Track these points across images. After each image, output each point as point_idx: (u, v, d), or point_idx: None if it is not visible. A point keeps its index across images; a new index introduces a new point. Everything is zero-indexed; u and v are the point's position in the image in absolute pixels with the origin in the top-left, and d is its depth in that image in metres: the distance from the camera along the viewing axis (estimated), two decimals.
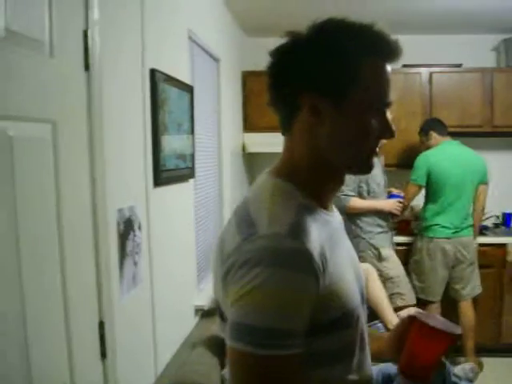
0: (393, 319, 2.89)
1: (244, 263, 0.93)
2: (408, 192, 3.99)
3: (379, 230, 3.69)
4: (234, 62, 4.36)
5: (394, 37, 1.04)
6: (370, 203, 3.63)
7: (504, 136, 4.74)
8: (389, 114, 1.10)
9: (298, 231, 0.96)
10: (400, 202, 3.74)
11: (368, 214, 3.64)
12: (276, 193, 1.05)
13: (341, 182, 1.14)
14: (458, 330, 1.15)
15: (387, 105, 1.07)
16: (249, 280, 0.91)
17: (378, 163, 3.58)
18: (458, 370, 3.69)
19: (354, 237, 3.55)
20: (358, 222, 3.65)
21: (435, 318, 1.22)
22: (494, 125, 4.61)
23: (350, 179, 3.52)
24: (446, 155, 3.99)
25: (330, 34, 1.03)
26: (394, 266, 3.68)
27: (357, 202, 3.57)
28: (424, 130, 4.18)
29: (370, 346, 1.18)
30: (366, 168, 1.10)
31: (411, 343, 1.18)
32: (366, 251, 3.62)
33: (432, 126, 4.16)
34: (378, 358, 1.31)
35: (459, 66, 4.74)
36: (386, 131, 1.07)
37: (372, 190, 3.65)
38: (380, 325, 2.91)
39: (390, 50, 1.05)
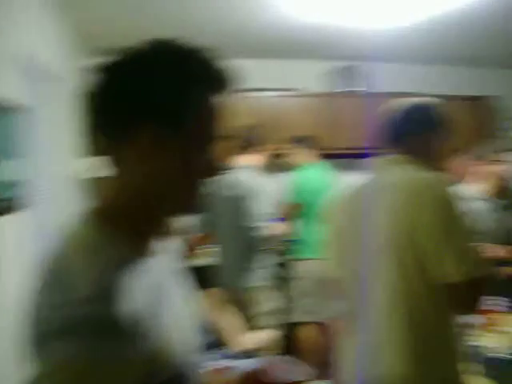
0: (241, 343, 2.85)
1: (52, 333, 0.79)
2: None
3: None
4: (74, 82, 4.16)
5: (226, 63, 0.96)
6: None
7: (343, 158, 4.99)
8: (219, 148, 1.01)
9: (105, 293, 0.83)
10: None
11: None
12: (85, 245, 0.89)
13: (167, 223, 1.03)
14: (299, 376, 1.07)
15: (218, 138, 0.98)
16: (57, 354, 0.78)
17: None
18: None
19: None
20: None
21: (278, 366, 1.13)
22: (333, 147, 4.91)
23: None
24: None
25: (158, 58, 0.92)
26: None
27: None
28: None
29: None
30: (192, 209, 1.01)
31: None
32: None
33: None
34: None
35: (300, 90, 5.06)
36: (213, 168, 0.98)
37: None
38: (228, 350, 2.87)
39: (223, 78, 0.96)
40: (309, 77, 5.15)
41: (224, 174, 3.54)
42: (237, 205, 3.57)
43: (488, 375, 2.05)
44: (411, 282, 1.61)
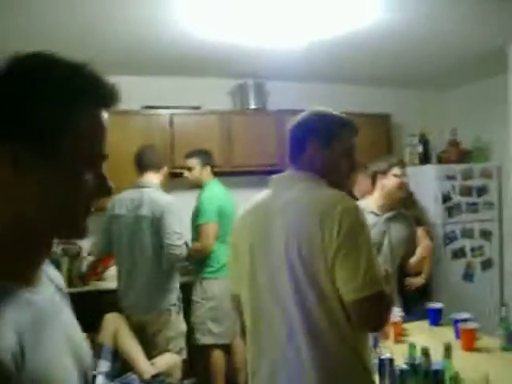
0: (146, 368, 2.83)
1: None
2: None
3: None
4: None
5: (110, 79, 0.91)
6: None
7: (243, 175, 5.00)
8: (104, 168, 0.94)
9: None
10: None
11: None
12: None
13: (49, 250, 0.95)
14: None
15: (103, 157, 0.93)
16: None
17: None
18: None
19: None
20: None
21: None
22: (233, 165, 4.92)
23: None
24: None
25: (33, 73, 0.85)
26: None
27: None
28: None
29: None
30: (81, 232, 0.93)
31: None
32: None
33: None
34: None
35: (198, 108, 5.02)
36: (102, 188, 0.92)
37: None
38: (134, 376, 2.82)
39: (106, 95, 0.91)
40: (209, 94, 5.11)
41: (118, 193, 3.46)
42: (146, 224, 3.50)
43: None
44: (308, 299, 1.61)
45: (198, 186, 4.14)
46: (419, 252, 3.35)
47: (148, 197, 3.51)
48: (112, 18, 3.50)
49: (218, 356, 4.02)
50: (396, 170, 3.16)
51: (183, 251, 3.50)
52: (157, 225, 3.45)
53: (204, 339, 3.97)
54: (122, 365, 2.62)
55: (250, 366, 1.82)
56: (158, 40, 3.96)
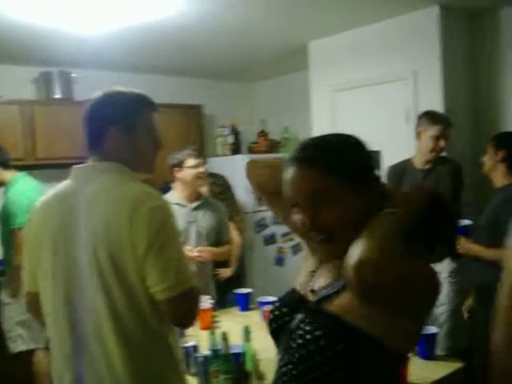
0: None
1: None
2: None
3: None
4: None
5: None
6: None
7: (47, 168, 4.71)
8: None
9: None
10: None
11: None
12: None
13: None
14: None
15: None
16: None
17: None
18: None
19: None
20: None
21: None
22: (37, 157, 4.71)
23: None
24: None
25: None
26: None
27: None
28: None
29: None
30: None
31: None
32: None
33: None
34: None
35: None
36: None
37: None
38: None
39: None
40: (10, 83, 4.75)
41: None
42: None
43: (191, 373, 2.11)
44: (117, 299, 1.53)
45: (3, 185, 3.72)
46: (227, 247, 3.41)
47: None
48: None
49: (35, 361, 3.71)
50: (190, 162, 3.17)
51: None
52: None
53: (17, 346, 3.67)
54: None
55: (54, 371, 1.68)
56: None
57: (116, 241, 1.50)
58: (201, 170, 3.21)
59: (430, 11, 3.90)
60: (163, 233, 1.53)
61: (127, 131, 1.66)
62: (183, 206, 3.19)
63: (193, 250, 3.06)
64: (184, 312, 1.59)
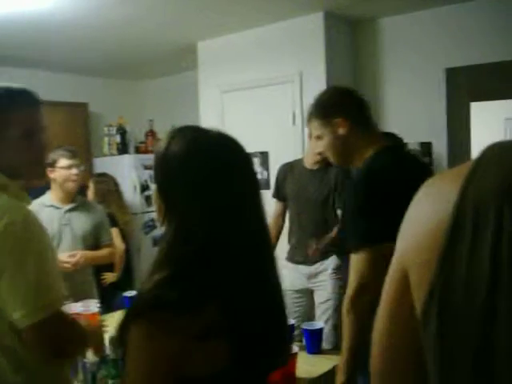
0: None
1: None
2: None
3: None
4: None
5: None
6: None
7: None
8: None
9: None
10: None
11: None
12: None
13: None
14: None
15: None
16: None
17: None
18: None
19: None
20: None
21: None
22: None
23: None
24: None
25: None
26: None
27: None
28: None
29: None
30: None
31: None
32: None
33: None
34: None
35: None
36: None
37: None
38: None
39: None
40: None
41: None
42: None
43: (79, 380, 2.04)
44: None
45: None
46: (107, 250, 3.29)
47: None
48: None
49: None
50: (63, 162, 3.02)
51: None
52: None
53: None
54: None
55: None
56: None
57: None
58: (74, 171, 3.04)
59: (316, 17, 4.07)
60: (19, 252, 1.36)
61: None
62: (57, 208, 3.04)
63: (65, 255, 2.91)
64: (51, 339, 1.42)
